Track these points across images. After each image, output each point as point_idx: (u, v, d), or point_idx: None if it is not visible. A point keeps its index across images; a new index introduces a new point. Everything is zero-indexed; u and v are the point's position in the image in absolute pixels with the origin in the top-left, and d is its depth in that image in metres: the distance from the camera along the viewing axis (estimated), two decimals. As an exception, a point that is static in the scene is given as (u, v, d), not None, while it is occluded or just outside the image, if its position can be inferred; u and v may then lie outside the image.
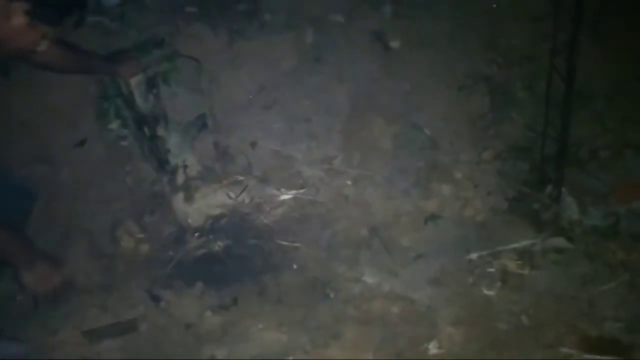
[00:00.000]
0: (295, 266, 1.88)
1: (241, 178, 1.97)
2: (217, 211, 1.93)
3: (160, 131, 1.85)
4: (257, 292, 1.82)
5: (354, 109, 2.30)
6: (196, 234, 1.90)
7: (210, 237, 1.90)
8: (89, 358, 1.63)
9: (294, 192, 1.97)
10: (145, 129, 1.85)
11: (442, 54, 2.40)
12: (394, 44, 2.41)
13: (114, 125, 1.92)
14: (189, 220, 1.90)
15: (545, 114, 1.92)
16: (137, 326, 1.70)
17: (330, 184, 2.12)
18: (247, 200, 1.96)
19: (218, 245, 1.88)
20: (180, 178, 1.89)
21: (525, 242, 1.85)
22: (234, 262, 1.90)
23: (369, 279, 1.78)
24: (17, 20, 1.17)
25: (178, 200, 1.89)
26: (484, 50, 2.45)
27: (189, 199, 1.89)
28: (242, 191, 1.88)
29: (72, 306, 1.70)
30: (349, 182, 2.10)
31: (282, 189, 1.97)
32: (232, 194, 1.95)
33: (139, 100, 1.80)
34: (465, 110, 2.28)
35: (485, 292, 1.70)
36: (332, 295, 1.77)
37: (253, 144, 2.20)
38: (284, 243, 1.90)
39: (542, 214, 1.93)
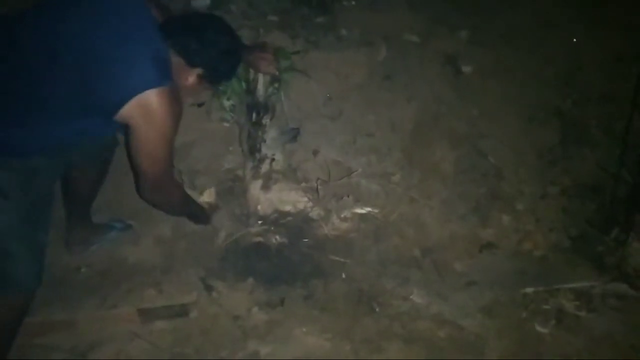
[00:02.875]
0: (344, 275, 1.89)
1: (319, 186, 2.01)
2: (286, 207, 1.98)
3: (266, 121, 1.98)
4: (304, 296, 1.85)
5: (419, 129, 2.31)
6: (259, 222, 1.96)
7: (272, 228, 1.95)
8: (140, 335, 1.71)
9: (369, 208, 1.98)
10: (254, 114, 1.97)
11: (515, 84, 2.38)
12: (467, 68, 2.40)
13: (227, 103, 2.03)
14: (258, 207, 1.96)
15: (621, 155, 1.85)
16: (188, 311, 1.77)
17: (386, 199, 2.13)
18: (319, 210, 1.99)
19: (275, 239, 1.93)
20: (264, 167, 1.98)
21: (584, 284, 1.78)
22: (285, 262, 1.93)
23: (418, 299, 1.77)
24: (191, 78, 1.47)
25: (255, 185, 1.97)
26: (559, 84, 2.40)
27: (265, 187, 1.96)
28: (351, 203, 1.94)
29: (132, 284, 1.79)
30: (406, 200, 2.10)
31: (359, 203, 1.99)
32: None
33: (260, 87, 1.95)
34: (533, 142, 2.23)
35: (538, 328, 1.65)
36: (378, 310, 1.77)
37: (315, 152, 2.24)
38: (335, 258, 1.92)
39: (606, 256, 1.86)
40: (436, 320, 1.69)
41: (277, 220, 1.97)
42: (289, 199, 1.98)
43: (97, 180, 1.87)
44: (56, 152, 1.49)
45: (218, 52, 1.48)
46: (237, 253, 1.92)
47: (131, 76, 1.33)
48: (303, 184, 2.01)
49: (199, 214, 1.88)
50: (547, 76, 2.43)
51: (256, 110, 1.99)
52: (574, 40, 2.51)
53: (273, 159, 1.99)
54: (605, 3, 2.56)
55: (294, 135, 2.16)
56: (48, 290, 1.79)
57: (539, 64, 2.44)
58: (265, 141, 1.99)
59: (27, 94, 1.34)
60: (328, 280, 1.86)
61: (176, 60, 1.43)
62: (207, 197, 1.96)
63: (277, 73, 1.95)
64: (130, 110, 1.34)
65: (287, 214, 1.98)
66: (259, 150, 1.99)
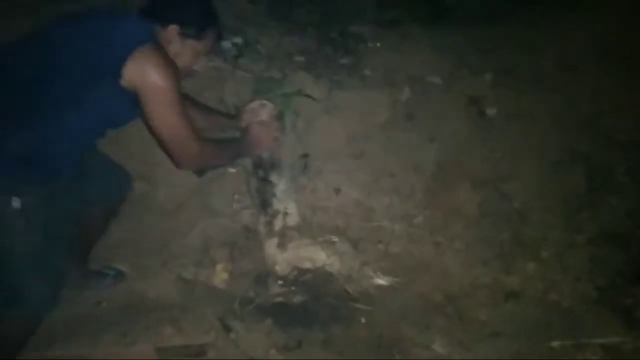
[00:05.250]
0: (363, 320, 1.86)
1: (335, 239, 1.94)
2: (305, 265, 1.90)
3: (274, 177, 1.93)
4: (322, 340, 1.81)
5: (441, 170, 2.29)
6: (279, 282, 1.90)
7: (292, 288, 1.89)
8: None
9: (389, 278, 1.89)
10: (260, 171, 1.94)
11: (540, 127, 2.36)
12: (491, 111, 2.40)
13: None
14: (276, 267, 1.89)
15: (651, 205, 1.81)
16: (206, 352, 1.75)
17: (408, 242, 2.11)
18: (338, 266, 1.91)
19: (297, 299, 1.87)
20: (278, 224, 1.91)
21: (614, 339, 1.71)
22: (304, 305, 1.91)
23: (440, 348, 1.72)
24: (175, 43, 1.51)
25: (271, 244, 1.90)
26: (584, 128, 2.37)
27: (282, 246, 1.89)
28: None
29: (151, 321, 1.78)
30: (428, 244, 2.07)
31: (379, 273, 1.90)
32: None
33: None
34: (559, 187, 2.19)
35: (565, 385, 1.59)
36: (398, 357, 1.72)
37: (337, 191, 2.24)
38: (358, 306, 1.87)
39: (636, 310, 1.79)
40: (459, 372, 1.64)
41: (297, 278, 1.90)
42: (306, 255, 1.90)
43: (104, 224, 1.89)
44: (85, 149, 1.55)
45: (182, 1, 1.55)
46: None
47: (122, 39, 1.42)
48: (320, 239, 1.93)
49: (245, 151, 1.88)
50: (572, 120, 2.40)
51: (261, 167, 1.96)
52: (599, 83, 2.48)
53: (286, 213, 1.92)
54: (629, 46, 2.55)
55: (304, 164, 2.12)
56: (69, 324, 1.80)
57: (563, 108, 2.42)
58: (275, 195, 1.93)
59: (32, 92, 1.39)
60: (347, 325, 1.83)
61: (157, 30, 1.50)
62: (222, 271, 1.93)
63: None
64: (131, 71, 1.40)
65: (307, 271, 1.90)
66: (271, 205, 1.93)
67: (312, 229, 1.95)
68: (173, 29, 1.51)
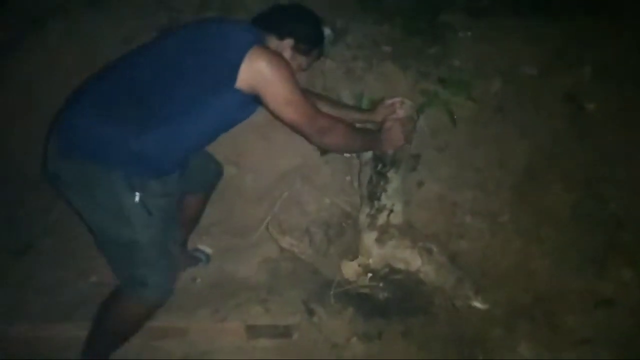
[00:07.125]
0: (445, 316, 1.86)
1: (435, 249, 1.87)
2: (399, 265, 1.86)
3: (391, 173, 1.93)
4: (402, 332, 1.84)
5: (531, 168, 2.21)
6: (369, 275, 1.88)
7: (380, 285, 1.88)
8: (245, 351, 1.81)
9: (486, 304, 1.80)
10: (380, 165, 1.94)
11: (643, 126, 2.20)
12: (590, 106, 2.27)
13: None
14: (370, 260, 1.86)
15: None
16: (291, 333, 1.84)
17: (492, 241, 2.06)
18: (433, 277, 1.84)
19: (382, 296, 1.87)
20: (381, 219, 1.87)
21: None
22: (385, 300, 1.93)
23: (525, 351, 1.69)
24: (286, 54, 1.61)
25: (369, 237, 1.86)
26: (696, 128, 2.19)
27: (380, 242, 1.85)
28: None
29: (241, 300, 1.89)
30: (515, 244, 2.02)
31: (475, 295, 1.81)
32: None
33: None
34: (661, 191, 2.06)
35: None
36: (481, 358, 1.72)
37: (420, 184, 2.22)
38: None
39: None
40: (545, 378, 1.61)
41: (388, 276, 1.88)
42: (403, 256, 1.85)
43: (201, 211, 2.01)
44: (198, 150, 1.68)
45: (301, 20, 1.66)
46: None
47: (234, 44, 1.49)
48: (419, 244, 1.85)
49: (376, 144, 1.91)
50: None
51: (382, 162, 1.96)
52: None
53: (392, 211, 1.87)
54: None
55: (414, 164, 2.12)
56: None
57: (671, 105, 2.25)
58: (386, 191, 1.91)
59: (153, 97, 1.49)
60: (428, 320, 1.84)
61: (270, 39, 1.60)
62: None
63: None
64: (246, 72, 1.47)
65: (399, 271, 1.87)
66: (379, 199, 1.90)
67: (413, 232, 1.92)
68: (288, 42, 1.62)
